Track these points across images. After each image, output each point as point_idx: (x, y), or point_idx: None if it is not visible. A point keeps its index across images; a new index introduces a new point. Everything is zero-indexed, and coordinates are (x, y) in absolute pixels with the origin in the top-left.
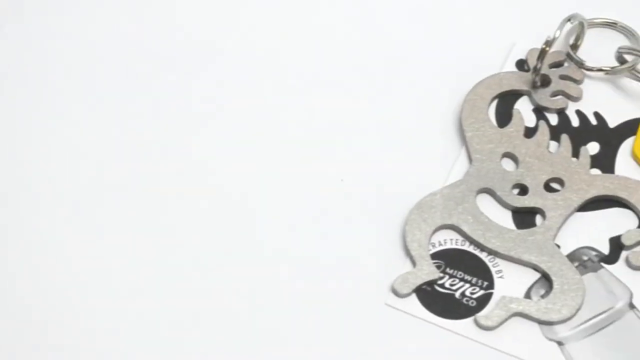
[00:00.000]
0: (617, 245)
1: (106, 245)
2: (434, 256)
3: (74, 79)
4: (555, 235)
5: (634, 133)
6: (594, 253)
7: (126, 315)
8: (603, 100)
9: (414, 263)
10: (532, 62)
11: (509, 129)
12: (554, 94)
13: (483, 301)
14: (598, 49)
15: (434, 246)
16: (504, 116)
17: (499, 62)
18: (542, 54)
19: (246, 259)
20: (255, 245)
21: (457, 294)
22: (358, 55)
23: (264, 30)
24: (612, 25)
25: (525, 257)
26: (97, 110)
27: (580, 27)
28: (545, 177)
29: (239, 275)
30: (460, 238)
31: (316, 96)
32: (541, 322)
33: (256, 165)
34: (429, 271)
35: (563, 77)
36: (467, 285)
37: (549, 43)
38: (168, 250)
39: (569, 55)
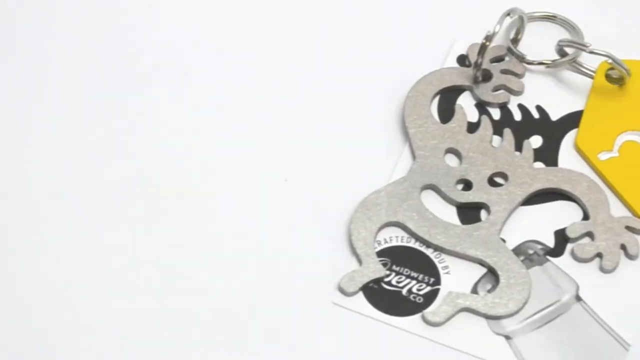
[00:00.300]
0: (562, 238)
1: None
2: (380, 254)
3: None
4: (500, 230)
5: (576, 125)
6: (539, 246)
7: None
8: (545, 94)
9: (360, 261)
10: (473, 57)
11: (451, 124)
12: (496, 89)
13: (430, 297)
14: (538, 43)
15: (379, 244)
16: (447, 112)
17: (440, 58)
18: (483, 48)
19: (190, 259)
20: (200, 246)
21: (404, 291)
22: (299, 53)
23: (210, 28)
24: (551, 18)
25: (471, 253)
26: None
27: (520, 21)
28: (489, 172)
29: (183, 276)
30: (405, 235)
31: (257, 96)
32: (488, 317)
33: (199, 166)
34: (375, 269)
35: (504, 72)
36: (414, 282)
37: (489, 38)
38: (120, 250)
39: (509, 50)
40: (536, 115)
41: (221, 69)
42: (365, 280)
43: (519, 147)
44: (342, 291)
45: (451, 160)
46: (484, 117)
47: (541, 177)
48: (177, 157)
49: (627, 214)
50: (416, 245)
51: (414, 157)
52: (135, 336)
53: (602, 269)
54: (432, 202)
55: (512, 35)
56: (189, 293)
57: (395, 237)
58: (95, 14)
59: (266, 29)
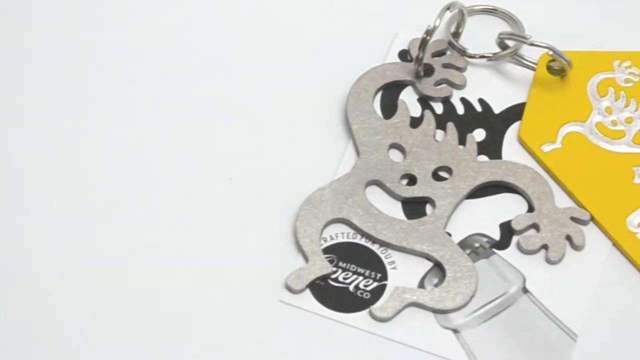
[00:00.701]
0: (507, 230)
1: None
2: (326, 250)
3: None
4: (445, 224)
5: (519, 118)
6: (485, 239)
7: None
8: (487, 87)
9: (306, 258)
10: (414, 52)
11: (394, 120)
12: (438, 83)
13: (377, 293)
14: (480, 36)
15: (325, 241)
16: (389, 107)
17: (382, 53)
18: (424, 43)
19: (137, 259)
20: (146, 246)
21: (351, 287)
22: (240, 51)
23: (142, 26)
24: (492, 11)
25: (417, 247)
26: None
27: (460, 15)
28: (433, 166)
29: (130, 276)
30: (351, 231)
31: (199, 96)
32: (436, 311)
33: (144, 165)
34: (321, 266)
35: (446, 66)
36: (361, 277)
37: (429, 32)
38: (64, 251)
39: (450, 44)
40: (479, 108)
41: (161, 67)
42: (312, 277)
43: (462, 141)
44: (289, 289)
45: (395, 155)
46: (427, 112)
47: (485, 170)
48: (123, 158)
49: (572, 204)
50: (362, 241)
51: (358, 153)
52: (83, 335)
53: (548, 260)
54: (377, 197)
55: (453, 29)
56: (133, 293)
57: (341, 234)
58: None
59: (206, 26)
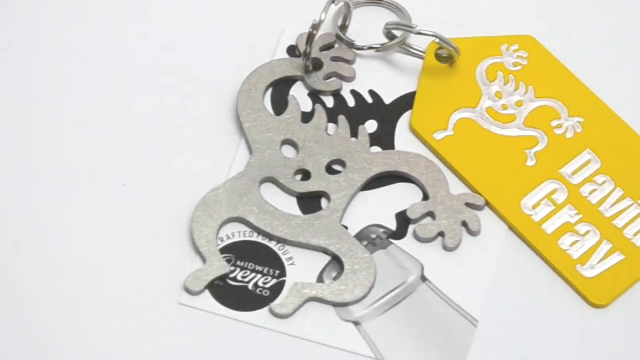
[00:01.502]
0: (403, 220)
1: None
2: (224, 250)
3: None
4: (342, 217)
5: (410, 107)
6: (382, 230)
7: None
8: (377, 78)
9: (204, 260)
10: (302, 47)
11: (286, 116)
12: (328, 77)
13: (277, 290)
14: (367, 28)
15: (222, 241)
16: (280, 104)
17: (270, 50)
18: (310, 38)
19: (33, 265)
20: (43, 253)
21: (250, 286)
22: (127, 53)
23: (34, 30)
24: (378, 2)
25: (314, 242)
26: None
27: (346, 8)
28: (326, 160)
29: (25, 281)
30: (248, 230)
31: (93, 99)
32: (336, 305)
33: (37, 173)
34: (219, 266)
35: (335, 59)
36: (259, 275)
37: (315, 26)
38: None
39: (338, 37)
40: (370, 100)
41: (49, 70)
42: (210, 278)
43: (354, 134)
44: (188, 291)
45: (288, 151)
46: (318, 106)
47: (379, 161)
48: (18, 164)
49: (467, 191)
50: (259, 239)
51: (250, 151)
52: None
53: (445, 248)
54: (272, 194)
55: (340, 23)
56: (32, 296)
57: (238, 233)
58: None
59: (93, 29)
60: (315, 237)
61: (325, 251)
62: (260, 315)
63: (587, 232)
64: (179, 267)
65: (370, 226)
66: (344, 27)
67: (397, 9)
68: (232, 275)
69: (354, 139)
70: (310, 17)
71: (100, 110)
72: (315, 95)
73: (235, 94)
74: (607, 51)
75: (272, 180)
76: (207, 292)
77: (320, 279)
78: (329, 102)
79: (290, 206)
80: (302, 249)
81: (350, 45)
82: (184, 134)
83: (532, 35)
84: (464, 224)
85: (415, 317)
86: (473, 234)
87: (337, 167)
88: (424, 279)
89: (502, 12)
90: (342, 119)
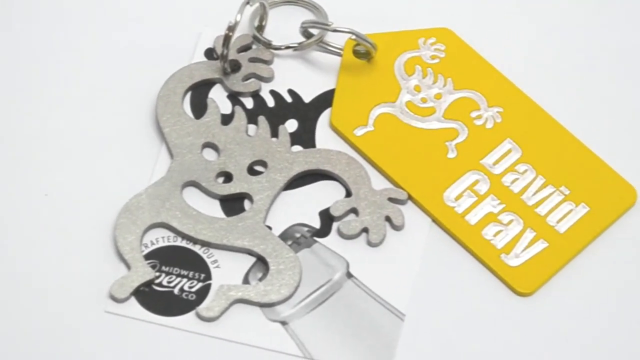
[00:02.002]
0: (327, 217)
1: None
2: (148, 256)
3: None
4: (265, 218)
5: (329, 105)
6: (306, 229)
7: None
8: (296, 77)
9: (128, 266)
10: (219, 50)
11: (205, 119)
12: (246, 78)
13: (202, 293)
14: (284, 27)
15: (146, 246)
16: (200, 107)
17: (188, 54)
18: (227, 39)
19: None
20: None
21: (176, 290)
22: (46, 61)
23: None
24: (294, 2)
25: (238, 243)
26: None
27: (262, 8)
28: (247, 162)
29: None
30: (172, 235)
31: (7, 109)
32: (262, 305)
33: None
34: (144, 272)
35: (253, 60)
36: (185, 280)
37: (231, 28)
38: None
39: (255, 38)
40: (289, 99)
41: None
42: (136, 284)
43: (275, 134)
44: (113, 298)
45: (209, 154)
46: (237, 108)
47: (300, 160)
48: None
49: (389, 185)
50: (183, 243)
51: (171, 155)
52: None
53: (370, 243)
54: (194, 198)
55: (256, 23)
56: None
57: (161, 238)
58: None
59: (7, 38)
60: (239, 238)
61: (250, 252)
62: (187, 320)
63: (511, 221)
64: (104, 275)
65: (294, 225)
66: (260, 28)
67: (313, 7)
68: (157, 281)
69: (274, 139)
70: (227, 19)
71: (19, 119)
72: (234, 97)
73: (154, 99)
74: (524, 41)
75: (194, 184)
76: (133, 299)
77: (245, 280)
78: (249, 103)
79: (214, 209)
80: (226, 251)
81: (268, 45)
82: (104, 142)
83: (448, 28)
84: (388, 219)
85: (342, 314)
86: (397, 228)
87: (258, 168)
88: (349, 275)
89: (418, 5)
90: (262, 119)
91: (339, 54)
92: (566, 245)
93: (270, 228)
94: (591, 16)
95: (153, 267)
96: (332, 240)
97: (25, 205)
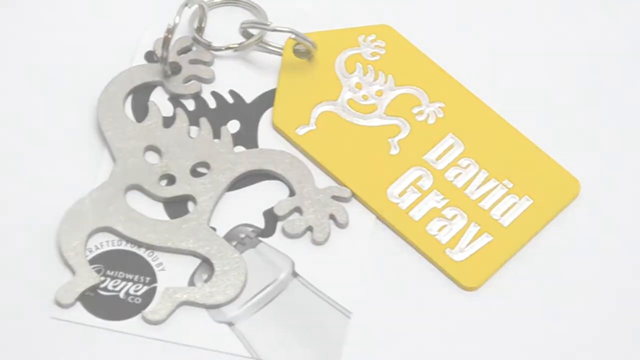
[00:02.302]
0: (271, 217)
1: None
2: (93, 261)
3: None
4: (209, 219)
5: (271, 104)
6: (250, 229)
7: None
8: (237, 78)
9: (73, 271)
10: (159, 52)
11: (147, 122)
12: (187, 80)
13: (148, 297)
14: (224, 28)
15: (91, 251)
16: (141, 110)
17: (128, 57)
18: (166, 42)
19: None
20: None
21: (122, 294)
22: None
23: None
24: (234, 2)
25: (183, 246)
26: None
27: (201, 10)
28: (190, 163)
29: None
30: (116, 239)
31: None
32: (208, 307)
33: None
34: (89, 277)
35: (193, 62)
36: (130, 283)
37: (170, 30)
38: None
39: (195, 39)
40: (230, 100)
41: None
42: (81, 289)
43: (217, 135)
44: (59, 304)
45: (152, 157)
46: (179, 110)
47: (243, 160)
48: None
49: (332, 183)
50: (128, 247)
51: (114, 159)
52: None
53: (314, 242)
54: (138, 201)
55: (196, 25)
56: None
57: (106, 242)
58: None
59: None
60: (184, 240)
61: (195, 254)
62: (134, 323)
63: (455, 216)
64: (49, 280)
65: (238, 226)
66: (200, 29)
67: (252, 8)
68: (102, 285)
69: (216, 140)
70: (167, 22)
71: None
72: (175, 99)
73: (95, 104)
74: (464, 35)
75: (137, 187)
76: (78, 304)
77: (191, 283)
78: (190, 105)
79: (157, 212)
80: (171, 254)
81: (208, 46)
82: (46, 147)
83: (388, 25)
84: (332, 217)
85: (288, 314)
86: (341, 226)
87: (201, 170)
88: (295, 274)
89: (357, 3)
90: (203, 121)
91: (279, 54)
92: (510, 238)
93: (214, 229)
94: (529, 8)
95: (98, 271)
96: (276, 239)
97: None
